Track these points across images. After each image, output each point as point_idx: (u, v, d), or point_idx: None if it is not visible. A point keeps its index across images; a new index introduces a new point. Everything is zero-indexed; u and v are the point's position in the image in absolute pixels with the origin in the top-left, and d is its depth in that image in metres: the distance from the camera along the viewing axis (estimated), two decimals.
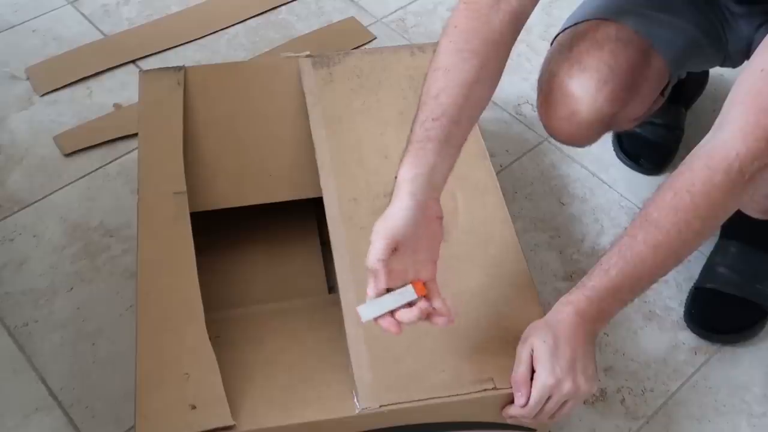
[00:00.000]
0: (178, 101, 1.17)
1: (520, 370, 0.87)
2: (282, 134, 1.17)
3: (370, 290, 0.82)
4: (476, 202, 1.06)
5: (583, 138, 1.06)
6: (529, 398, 0.86)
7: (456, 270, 0.99)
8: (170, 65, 1.24)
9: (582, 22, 1.06)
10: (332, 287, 1.16)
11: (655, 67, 1.06)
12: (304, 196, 1.13)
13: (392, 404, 0.88)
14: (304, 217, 1.22)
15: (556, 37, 1.10)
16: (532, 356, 0.86)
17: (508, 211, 1.06)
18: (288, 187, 1.14)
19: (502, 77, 1.49)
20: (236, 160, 1.14)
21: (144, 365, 0.91)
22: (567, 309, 0.87)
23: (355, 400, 0.89)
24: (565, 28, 1.09)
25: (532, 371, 0.86)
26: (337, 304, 0.98)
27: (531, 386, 0.86)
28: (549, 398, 0.85)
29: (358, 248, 1.01)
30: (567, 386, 0.84)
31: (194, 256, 0.99)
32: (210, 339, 0.92)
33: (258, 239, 1.20)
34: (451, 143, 0.86)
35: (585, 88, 1.01)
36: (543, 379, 0.84)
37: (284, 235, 1.21)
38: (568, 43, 1.05)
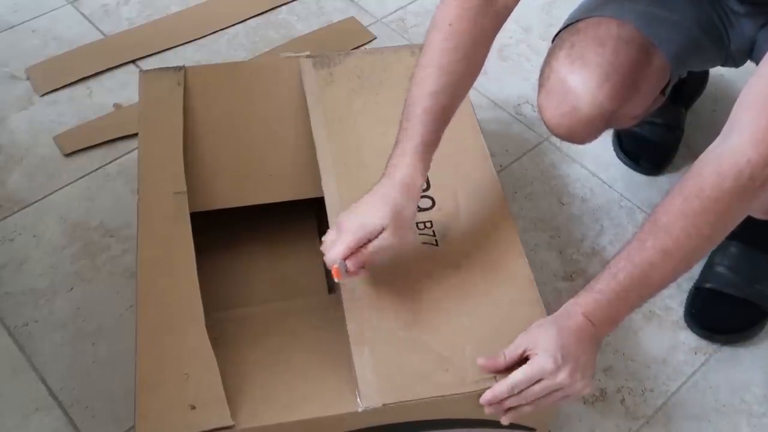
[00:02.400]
0: (178, 101, 1.16)
1: (510, 352, 0.87)
2: (282, 134, 1.17)
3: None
4: (478, 203, 1.06)
5: (583, 134, 1.06)
6: (507, 366, 0.86)
7: (457, 269, 0.99)
8: (170, 65, 1.24)
9: (584, 19, 1.06)
10: (332, 287, 1.16)
11: (657, 65, 1.06)
12: (304, 196, 1.13)
13: (394, 403, 0.88)
14: (304, 217, 1.22)
15: (558, 33, 1.10)
16: (528, 347, 0.86)
17: (510, 212, 1.06)
18: (288, 187, 1.14)
19: (503, 77, 1.50)
20: (236, 160, 1.14)
21: (144, 365, 0.91)
22: (575, 310, 0.87)
23: (358, 399, 0.89)
24: (568, 25, 1.09)
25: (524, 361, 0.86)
26: (337, 304, 0.98)
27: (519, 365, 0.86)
28: (539, 381, 0.85)
29: None
30: (563, 376, 0.84)
31: (194, 256, 0.99)
32: (210, 339, 0.92)
33: (258, 239, 1.20)
34: (441, 132, 0.95)
35: (586, 84, 1.01)
36: (542, 361, 0.84)
37: (284, 235, 1.21)
38: (570, 40, 1.05)
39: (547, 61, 1.06)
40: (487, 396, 0.87)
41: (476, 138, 1.14)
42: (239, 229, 1.20)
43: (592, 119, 1.02)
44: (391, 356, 0.92)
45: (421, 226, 1.03)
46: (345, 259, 0.88)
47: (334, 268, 0.89)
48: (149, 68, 1.38)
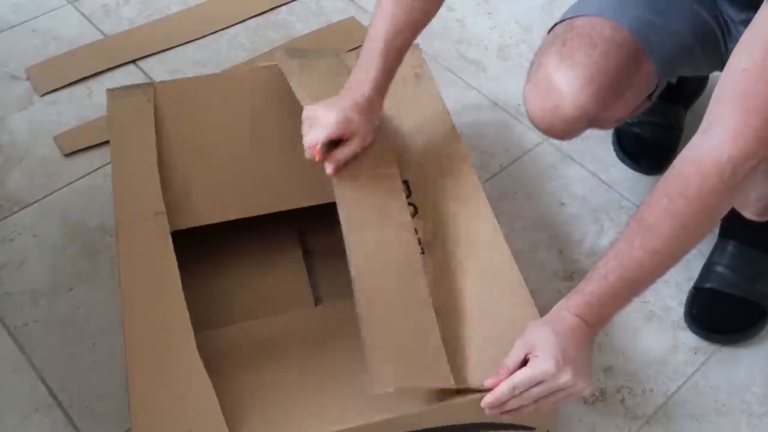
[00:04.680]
0: (149, 119, 1.14)
1: (512, 357, 0.87)
2: (258, 146, 1.14)
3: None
4: (461, 205, 1.06)
5: (564, 132, 1.06)
6: (500, 380, 0.86)
7: (448, 279, 0.99)
8: (170, 65, 1.23)
9: (582, 16, 1.07)
10: (318, 297, 1.15)
11: (645, 72, 1.06)
12: (284, 207, 1.10)
13: (395, 417, 0.88)
14: (284, 228, 1.20)
15: (554, 25, 1.10)
16: (528, 352, 0.86)
17: (493, 215, 1.05)
18: (267, 199, 1.11)
19: (503, 77, 1.49)
20: (213, 176, 1.11)
21: (137, 392, 0.88)
22: (569, 312, 0.87)
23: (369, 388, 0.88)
24: (564, 20, 1.09)
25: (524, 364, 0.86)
26: (324, 316, 0.97)
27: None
28: (540, 383, 0.85)
29: (370, 248, 1.00)
30: (566, 378, 0.84)
31: (179, 277, 0.97)
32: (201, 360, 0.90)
33: (238, 253, 1.17)
34: (397, 65, 1.05)
35: (571, 84, 1.01)
36: (544, 363, 0.84)
37: (265, 248, 1.18)
38: (563, 37, 1.05)
39: (539, 54, 1.07)
40: (488, 399, 0.87)
41: (454, 141, 1.13)
42: (218, 244, 1.17)
43: (573, 119, 1.03)
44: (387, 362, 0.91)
45: None
46: (321, 143, 1.01)
47: (315, 148, 1.01)
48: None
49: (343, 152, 1.03)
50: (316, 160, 1.01)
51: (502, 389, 0.86)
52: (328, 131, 1.01)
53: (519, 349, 0.87)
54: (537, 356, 0.85)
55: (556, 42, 1.05)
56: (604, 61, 1.01)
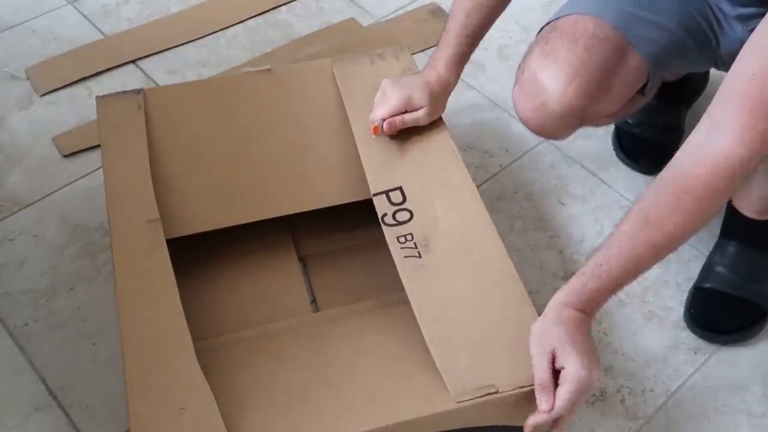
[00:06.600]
0: (140, 126, 1.12)
1: (542, 374, 0.86)
2: (250, 152, 1.14)
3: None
4: (455, 207, 1.06)
5: (554, 130, 1.07)
6: (553, 402, 0.85)
7: (443, 278, 0.98)
8: (170, 65, 1.22)
9: (565, 16, 1.07)
10: (313, 303, 1.15)
11: (632, 65, 1.06)
12: (278, 213, 1.10)
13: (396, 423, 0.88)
14: (279, 235, 1.20)
15: (540, 30, 1.11)
16: (549, 359, 0.86)
17: (487, 212, 1.05)
18: (261, 205, 1.10)
19: (503, 77, 1.50)
20: (206, 182, 1.10)
21: (135, 403, 0.87)
22: (572, 310, 0.88)
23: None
24: (549, 23, 1.10)
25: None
26: (322, 322, 0.96)
27: (554, 389, 0.85)
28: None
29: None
30: (594, 376, 0.85)
31: (175, 285, 0.96)
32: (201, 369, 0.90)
33: (233, 260, 1.17)
34: (474, 45, 1.12)
35: (555, 80, 1.02)
36: (577, 373, 0.84)
37: (260, 254, 1.18)
38: (547, 36, 1.06)
39: (524, 57, 1.08)
40: (532, 422, 0.87)
41: (445, 140, 1.13)
42: (213, 251, 1.16)
43: (561, 115, 1.03)
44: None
45: (402, 239, 1.02)
46: (384, 120, 1.08)
47: (374, 125, 1.10)
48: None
49: (398, 119, 1.09)
50: (373, 136, 1.10)
51: (560, 426, 0.87)
52: (388, 109, 1.08)
53: (541, 359, 0.86)
54: (565, 368, 0.85)
55: (540, 42, 1.06)
56: (587, 55, 1.02)
